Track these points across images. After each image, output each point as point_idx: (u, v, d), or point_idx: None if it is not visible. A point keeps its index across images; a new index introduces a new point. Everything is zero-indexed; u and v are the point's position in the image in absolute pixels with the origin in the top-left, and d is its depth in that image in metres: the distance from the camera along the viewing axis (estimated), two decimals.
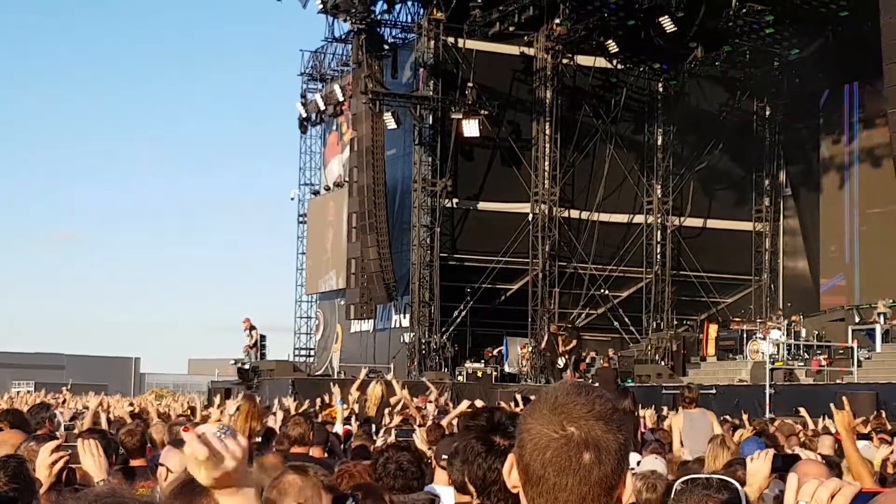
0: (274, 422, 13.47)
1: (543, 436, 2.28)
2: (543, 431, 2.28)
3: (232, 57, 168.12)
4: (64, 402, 29.41)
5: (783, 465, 5.00)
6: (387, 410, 16.07)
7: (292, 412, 16.21)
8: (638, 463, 9.07)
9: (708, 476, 4.07)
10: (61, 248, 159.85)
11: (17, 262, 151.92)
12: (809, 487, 2.14)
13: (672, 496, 4.11)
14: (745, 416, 17.08)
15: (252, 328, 38.14)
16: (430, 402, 22.52)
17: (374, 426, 14.31)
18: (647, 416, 15.80)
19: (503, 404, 18.60)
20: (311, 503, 3.75)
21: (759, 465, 5.12)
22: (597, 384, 31.12)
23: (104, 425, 12.00)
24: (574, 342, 37.43)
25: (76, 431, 9.51)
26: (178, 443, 6.66)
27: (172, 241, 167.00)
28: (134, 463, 8.19)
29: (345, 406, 15.79)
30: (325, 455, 10.08)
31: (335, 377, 34.17)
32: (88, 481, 4.68)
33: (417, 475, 6.25)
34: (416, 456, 6.40)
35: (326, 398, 21.51)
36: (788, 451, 7.95)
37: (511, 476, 2.37)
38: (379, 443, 10.05)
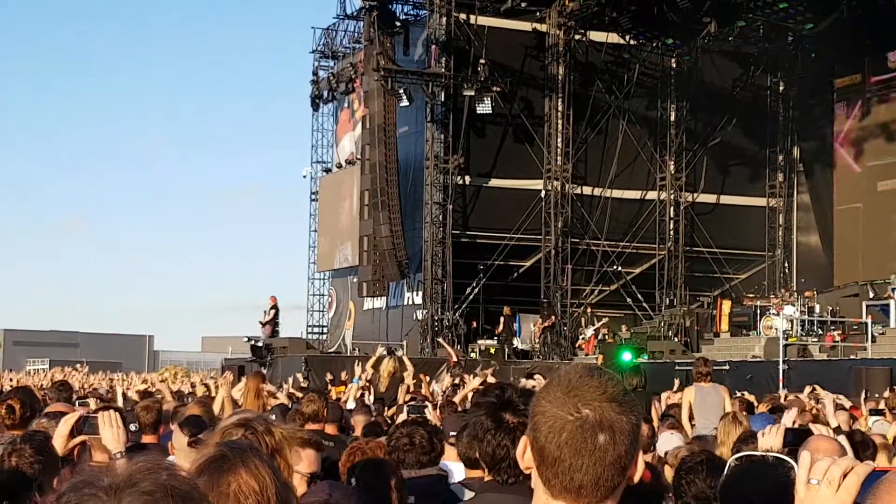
0: (283, 396, 13.51)
1: (559, 418, 2.33)
2: (559, 414, 2.33)
3: (244, 35, 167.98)
4: (76, 374, 29.61)
5: (794, 439, 4.98)
6: (401, 388, 16.11)
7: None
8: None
9: (763, 454, 4.07)
10: (76, 229, 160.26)
11: (33, 242, 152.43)
12: (822, 465, 2.13)
13: (726, 472, 4.13)
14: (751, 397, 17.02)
15: (274, 308, 37.95)
16: (441, 380, 22.50)
17: (383, 403, 14.35)
18: (664, 397, 15.77)
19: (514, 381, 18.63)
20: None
21: (770, 440, 5.11)
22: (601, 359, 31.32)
23: (119, 402, 12.06)
24: (552, 318, 37.57)
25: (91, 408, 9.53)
26: (187, 421, 6.68)
27: (186, 219, 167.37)
28: (146, 439, 8.23)
29: (359, 384, 15.85)
30: (338, 432, 10.10)
31: (348, 354, 34.26)
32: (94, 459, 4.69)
33: (430, 450, 6.27)
34: (430, 431, 6.42)
35: (342, 375, 21.59)
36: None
37: (525, 457, 2.41)
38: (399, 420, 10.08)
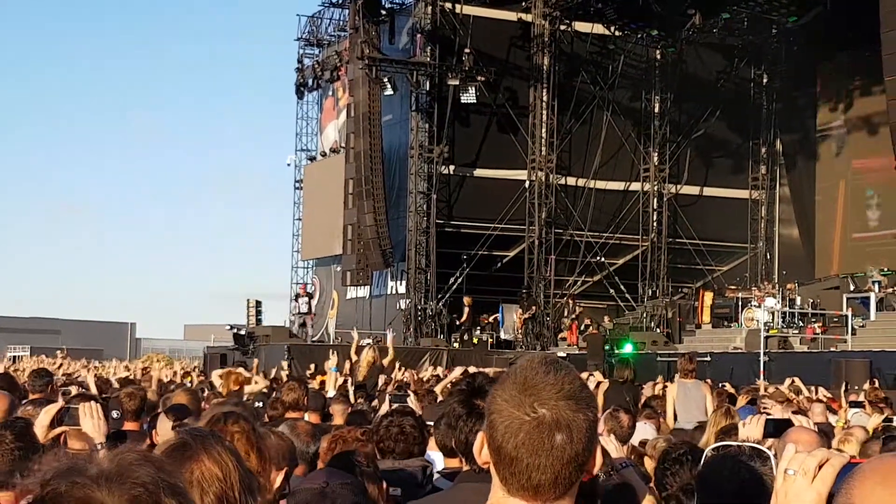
0: (254, 383, 13.51)
1: (515, 418, 2.31)
2: (514, 413, 2.31)
3: (228, 22, 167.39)
4: (60, 366, 29.52)
5: (775, 430, 5.03)
6: (382, 378, 16.14)
7: (284, 378, 16.29)
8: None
9: (740, 444, 4.10)
10: (59, 216, 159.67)
11: (16, 229, 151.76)
12: (798, 457, 2.15)
13: (702, 463, 4.15)
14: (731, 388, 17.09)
15: (309, 295, 36.82)
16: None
17: (366, 392, 14.36)
18: (647, 388, 15.87)
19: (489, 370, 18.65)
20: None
21: (751, 430, 5.15)
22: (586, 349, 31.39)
23: (92, 388, 12.04)
24: (533, 308, 37.61)
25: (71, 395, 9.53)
26: (172, 409, 6.68)
27: (169, 207, 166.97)
28: (128, 426, 8.22)
29: (338, 373, 15.86)
30: (321, 420, 10.12)
31: (331, 343, 34.22)
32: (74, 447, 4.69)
33: (419, 440, 6.27)
34: (417, 421, 6.42)
35: (325, 364, 21.57)
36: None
37: (482, 454, 2.39)
38: (382, 410, 10.11)
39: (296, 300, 37.09)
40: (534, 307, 37.82)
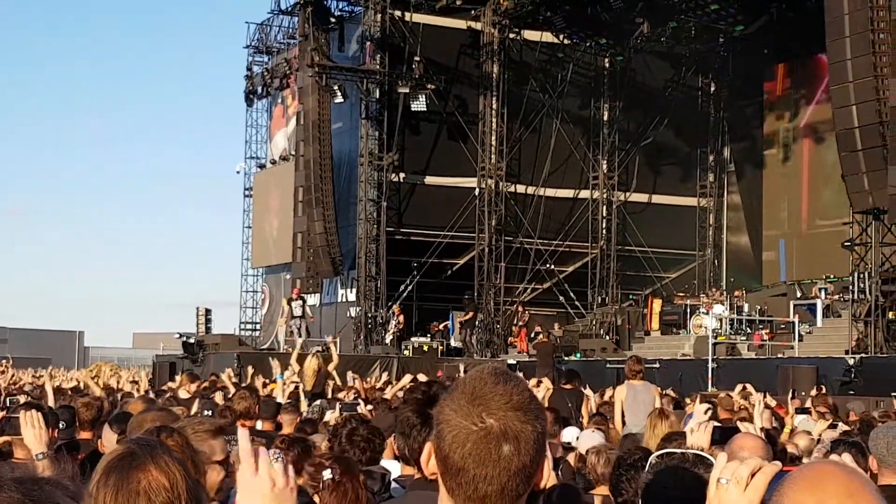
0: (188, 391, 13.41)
1: (462, 428, 2.29)
2: (462, 423, 2.29)
3: (177, 29, 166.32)
4: (2, 372, 29.15)
5: (721, 437, 5.07)
6: (331, 384, 16.08)
7: (229, 383, 16.18)
8: (577, 438, 9.17)
9: (683, 451, 4.13)
10: (5, 222, 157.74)
11: None
12: (731, 466, 2.18)
13: (647, 469, 4.16)
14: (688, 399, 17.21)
15: (302, 299, 35.79)
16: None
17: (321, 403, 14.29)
18: (593, 398, 15.93)
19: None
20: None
21: (698, 437, 5.19)
22: (536, 357, 31.46)
23: (51, 400, 11.92)
24: (471, 313, 37.66)
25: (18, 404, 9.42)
26: (116, 419, 6.63)
27: (117, 214, 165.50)
28: (83, 435, 8.17)
29: (285, 380, 15.79)
30: (274, 429, 10.07)
31: (281, 351, 34.04)
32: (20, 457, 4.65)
33: (374, 448, 6.28)
34: (372, 429, 6.43)
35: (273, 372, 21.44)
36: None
37: (429, 465, 2.37)
38: (327, 417, 10.08)
39: (289, 304, 36.46)
40: (472, 312, 37.76)
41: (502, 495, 2.29)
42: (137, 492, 2.77)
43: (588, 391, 16.91)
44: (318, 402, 13.70)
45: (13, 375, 30.23)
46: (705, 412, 6.43)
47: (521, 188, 40.84)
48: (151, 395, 14.55)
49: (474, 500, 2.29)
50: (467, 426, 2.28)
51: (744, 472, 2.14)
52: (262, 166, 48.34)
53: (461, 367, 27.05)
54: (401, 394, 14.29)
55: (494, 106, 39.84)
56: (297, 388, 16.06)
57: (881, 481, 5.55)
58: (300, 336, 34.84)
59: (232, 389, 14.22)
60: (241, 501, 2.40)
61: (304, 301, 35.55)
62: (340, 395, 14.56)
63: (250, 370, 20.57)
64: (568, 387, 14.95)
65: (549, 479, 2.38)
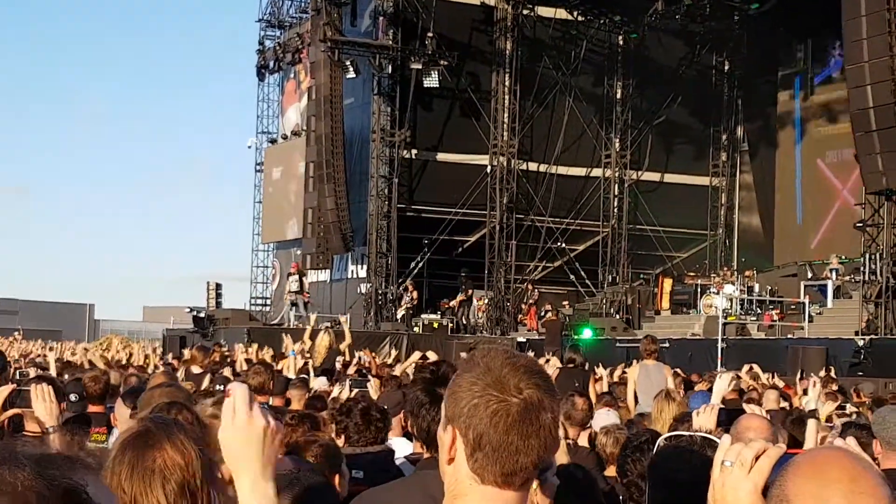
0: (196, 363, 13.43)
1: (501, 401, 2.28)
2: (500, 397, 2.29)
3: (189, 2, 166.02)
4: (12, 343, 29.26)
5: (728, 419, 5.07)
6: (340, 360, 16.09)
7: (241, 357, 16.22)
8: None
9: (691, 433, 4.12)
10: (17, 197, 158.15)
11: None
12: (735, 448, 2.18)
13: (655, 451, 4.17)
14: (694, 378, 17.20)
15: (301, 273, 35.88)
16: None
17: (332, 376, 14.32)
18: (605, 377, 15.93)
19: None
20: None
21: (704, 419, 5.20)
22: (544, 335, 31.48)
23: (52, 372, 11.97)
24: (468, 292, 37.67)
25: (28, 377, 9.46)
26: (129, 393, 6.65)
27: (129, 188, 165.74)
28: (93, 409, 8.21)
29: (297, 357, 15.82)
30: (284, 404, 10.11)
31: (290, 326, 34.12)
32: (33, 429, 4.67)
33: (382, 426, 6.32)
34: (378, 408, 6.47)
35: (283, 349, 21.48)
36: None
37: (453, 449, 2.34)
38: (335, 393, 10.10)
39: (287, 278, 36.41)
40: (469, 290, 37.81)
41: (534, 467, 2.32)
42: (153, 470, 2.79)
43: (601, 369, 16.92)
44: (322, 378, 13.72)
45: (24, 348, 30.34)
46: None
47: (532, 166, 40.78)
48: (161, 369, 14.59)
49: (508, 475, 2.30)
50: (506, 399, 2.29)
51: (748, 454, 2.15)
52: (273, 141, 48.34)
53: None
54: (410, 370, 14.33)
55: (507, 83, 39.73)
56: (306, 364, 16.10)
57: (885, 465, 5.54)
58: (293, 310, 34.97)
59: (244, 365, 14.28)
60: (222, 439, 2.45)
61: (302, 276, 35.53)
62: (350, 371, 14.59)
63: (255, 347, 20.61)
64: (570, 366, 14.93)
65: (563, 453, 2.40)
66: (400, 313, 36.75)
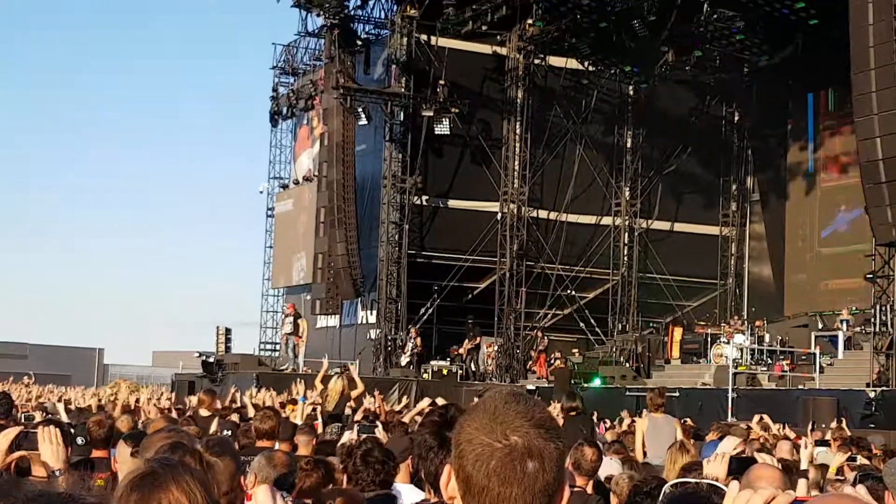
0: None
1: (486, 446, 2.26)
2: (485, 441, 2.27)
3: (204, 49, 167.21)
4: (27, 386, 29.21)
5: (738, 468, 5.05)
6: (348, 405, 16.02)
7: (250, 403, 16.18)
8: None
9: (698, 481, 4.11)
10: (27, 239, 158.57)
11: None
12: (744, 495, 2.17)
13: (661, 498, 4.15)
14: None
15: (296, 315, 35.83)
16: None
17: (342, 423, 14.27)
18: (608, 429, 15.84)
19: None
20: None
21: (715, 467, 5.17)
22: (553, 383, 31.39)
23: (63, 417, 11.94)
24: (476, 339, 37.59)
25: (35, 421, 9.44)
26: (132, 434, 6.63)
27: (139, 232, 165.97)
28: (96, 454, 8.17)
29: (307, 402, 15.76)
30: (291, 450, 10.06)
31: (300, 372, 34.04)
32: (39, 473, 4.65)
33: (385, 471, 6.29)
34: (385, 452, 6.44)
35: (292, 393, 21.44)
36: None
37: (449, 488, 2.34)
38: (344, 438, 10.06)
39: (283, 320, 36.36)
40: (477, 338, 37.77)
41: None
42: None
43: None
44: (335, 424, 13.67)
45: (37, 392, 30.30)
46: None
47: (543, 213, 40.84)
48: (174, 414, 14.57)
49: None
50: (491, 444, 2.26)
51: (757, 501, 2.14)
52: (285, 186, 48.51)
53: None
54: (418, 418, 14.26)
55: (518, 131, 39.90)
56: (314, 409, 16.04)
57: None
58: (289, 354, 34.89)
59: (252, 411, 14.23)
60: None
61: (297, 318, 35.36)
62: (357, 417, 14.53)
63: (263, 391, 20.55)
64: (573, 414, 14.81)
65: (567, 499, 2.36)
66: (404, 360, 36.66)
